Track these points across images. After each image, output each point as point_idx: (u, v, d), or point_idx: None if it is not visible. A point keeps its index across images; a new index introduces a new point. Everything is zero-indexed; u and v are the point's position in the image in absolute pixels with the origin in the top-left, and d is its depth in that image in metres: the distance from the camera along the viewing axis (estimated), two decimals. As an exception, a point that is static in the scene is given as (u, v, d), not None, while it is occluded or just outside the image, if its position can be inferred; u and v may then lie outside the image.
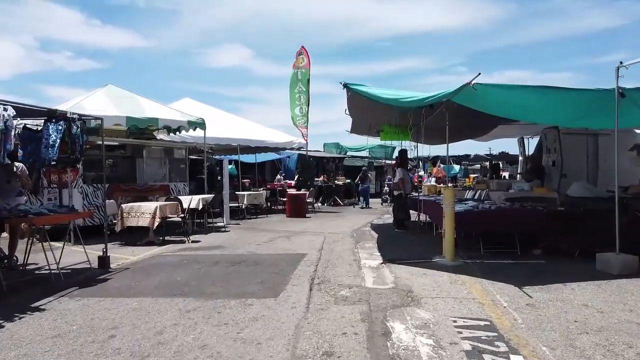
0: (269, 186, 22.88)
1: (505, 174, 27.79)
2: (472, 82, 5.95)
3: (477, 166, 31.07)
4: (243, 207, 15.45)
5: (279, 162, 28.87)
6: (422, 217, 11.76)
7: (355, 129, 12.24)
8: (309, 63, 18.81)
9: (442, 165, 24.12)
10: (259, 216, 16.11)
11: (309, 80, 18.80)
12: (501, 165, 27.62)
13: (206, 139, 15.71)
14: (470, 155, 23.30)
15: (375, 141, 38.09)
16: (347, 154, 33.58)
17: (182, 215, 10.60)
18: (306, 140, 19.08)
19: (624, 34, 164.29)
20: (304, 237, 10.55)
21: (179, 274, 6.87)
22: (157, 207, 9.95)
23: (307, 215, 16.34)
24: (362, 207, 20.42)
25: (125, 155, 12.83)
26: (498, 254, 7.73)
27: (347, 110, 10.29)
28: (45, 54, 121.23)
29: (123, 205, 10.22)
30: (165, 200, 11.33)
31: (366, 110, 9.32)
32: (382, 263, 7.38)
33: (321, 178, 24.26)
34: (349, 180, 24.84)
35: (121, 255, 8.72)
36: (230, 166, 25.92)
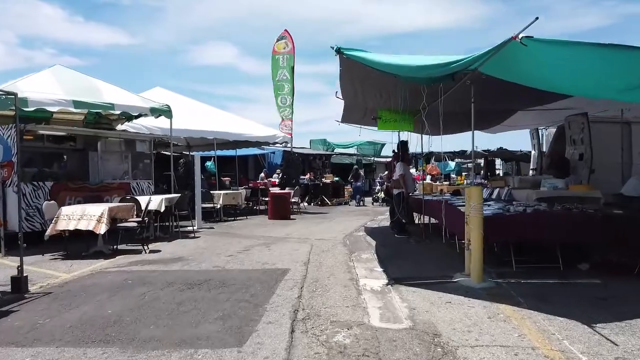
0: (251, 185, 21.03)
1: (500, 172, 26.26)
2: (520, 36, 4.17)
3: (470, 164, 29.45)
4: (218, 207, 13.55)
5: (262, 158, 26.95)
6: (425, 219, 10.02)
7: (347, 117, 10.43)
8: (293, 49, 16.94)
9: (434, 163, 22.44)
10: (237, 218, 14.22)
11: (293, 67, 16.93)
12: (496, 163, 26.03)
13: (178, 132, 13.88)
14: (466, 151, 21.73)
15: (364, 137, 36.47)
16: (335, 150, 31.78)
17: (140, 219, 8.69)
18: (290, 135, 17.22)
19: (611, 34, 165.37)
20: (286, 245, 8.71)
21: (113, 304, 4.98)
22: (105, 209, 8.02)
23: (292, 216, 14.50)
24: (356, 205, 19.85)
25: (76, 148, 10.84)
26: (535, 270, 5.99)
27: (338, 92, 8.48)
28: (27, 50, 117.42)
29: (64, 208, 8.27)
30: (120, 201, 9.40)
31: (363, 89, 7.53)
32: (387, 284, 5.58)
33: (307, 176, 22.43)
34: (337, 178, 23.06)
35: (53, 271, 6.80)
36: (209, 162, 24.09)
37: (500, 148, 20.90)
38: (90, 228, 7.93)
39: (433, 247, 8.18)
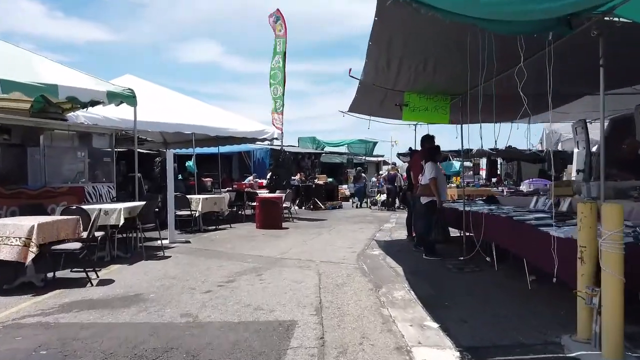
0: (235, 186, 18.69)
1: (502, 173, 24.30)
2: None
3: (468, 163, 27.28)
4: (197, 215, 11.21)
5: (247, 156, 24.56)
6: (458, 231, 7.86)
7: (358, 105, 8.18)
8: (285, 32, 14.63)
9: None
10: (219, 227, 11.89)
11: (285, 53, 14.64)
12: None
13: (149, 125, 11.52)
14: (472, 149, 19.63)
15: (354, 135, 34.39)
16: (325, 149, 29.55)
17: (86, 237, 6.35)
18: (281, 130, 14.93)
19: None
20: (284, 273, 6.43)
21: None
22: (33, 226, 5.66)
23: (284, 225, 12.23)
24: (357, 207, 19.16)
25: (11, 142, 8.41)
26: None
27: (353, 71, 6.24)
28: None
29: (-26, 225, 5.88)
30: (62, 213, 7.02)
31: (401, 54, 5.27)
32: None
33: (297, 176, 20.15)
34: (331, 179, 20.85)
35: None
36: (189, 162, 21.66)
37: (510, 146, 18.82)
38: (12, 258, 5.58)
39: (488, 279, 5.98)
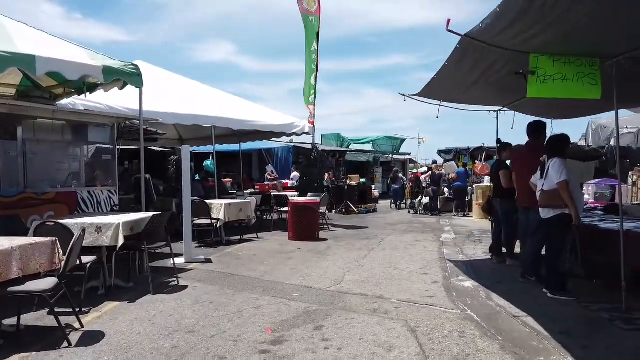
0: (257, 188, 16.60)
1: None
2: None
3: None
4: (219, 225, 9.10)
5: (268, 154, 22.45)
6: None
7: (436, 86, 5.98)
8: (319, 9, 12.44)
9: (484, 161, 17.97)
10: (244, 236, 9.78)
11: (318, 34, 12.46)
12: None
13: (161, 115, 9.49)
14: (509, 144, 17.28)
15: (380, 132, 32.07)
16: (350, 147, 27.31)
17: (62, 269, 4.25)
18: (313, 124, 12.76)
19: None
20: (355, 327, 4.21)
21: None
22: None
23: (320, 235, 10.07)
24: (396, 207, 17.94)
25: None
26: None
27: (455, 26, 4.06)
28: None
29: None
30: (35, 231, 4.92)
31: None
32: None
33: (326, 177, 17.98)
34: (364, 180, 18.65)
35: None
36: (207, 161, 19.65)
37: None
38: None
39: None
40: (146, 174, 14.39)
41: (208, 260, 7.45)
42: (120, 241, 5.21)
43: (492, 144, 19.29)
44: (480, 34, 4.25)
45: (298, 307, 4.80)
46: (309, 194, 12.37)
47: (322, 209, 11.58)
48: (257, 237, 9.94)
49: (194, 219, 9.18)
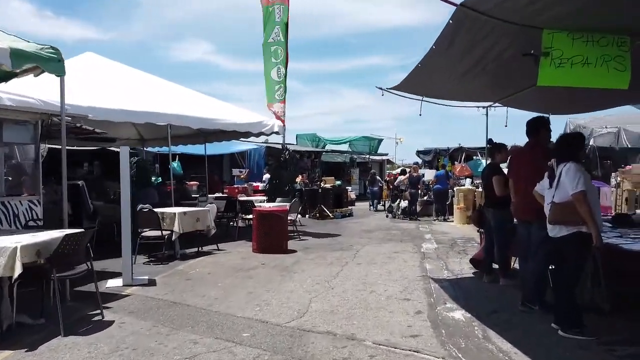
0: (225, 191, 15.39)
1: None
2: None
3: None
4: (174, 238, 7.90)
5: (240, 156, 21.21)
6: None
7: (417, 78, 4.96)
8: (287, -3, 11.30)
9: (464, 163, 17.09)
10: (203, 248, 8.59)
11: (287, 24, 11.32)
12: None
13: (109, 113, 8.32)
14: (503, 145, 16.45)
15: (358, 132, 31.05)
16: (326, 147, 26.23)
17: None
18: (283, 123, 11.63)
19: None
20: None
21: None
22: None
23: (290, 245, 8.95)
24: (375, 210, 17.40)
25: None
26: None
27: None
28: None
29: None
30: None
31: None
32: None
33: (299, 179, 16.87)
34: (339, 182, 17.61)
35: None
36: (174, 163, 18.32)
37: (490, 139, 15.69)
38: None
39: None
40: (107, 176, 13.06)
41: (151, 282, 6.24)
42: (17, 270, 3.98)
43: (473, 144, 18.55)
44: (480, 3, 3.20)
45: (245, 357, 3.66)
46: (278, 199, 11.26)
47: (292, 216, 10.45)
48: (218, 249, 8.75)
49: (145, 230, 8.03)
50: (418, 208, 14.66)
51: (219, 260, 7.91)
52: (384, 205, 16.96)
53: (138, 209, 8.30)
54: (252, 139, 13.26)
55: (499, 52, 4.08)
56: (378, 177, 18.48)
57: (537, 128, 4.75)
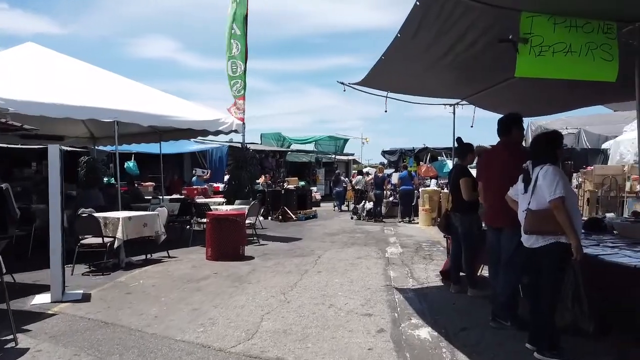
0: (184, 193, 14.59)
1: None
2: None
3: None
4: (116, 246, 7.15)
5: (202, 156, 20.34)
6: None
7: (384, 70, 4.49)
8: (247, -12, 10.65)
9: (429, 163, 16.83)
10: (152, 255, 7.89)
11: (246, 18, 10.68)
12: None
13: (43, 107, 7.54)
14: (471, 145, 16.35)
15: (324, 132, 30.59)
16: (291, 147, 25.64)
17: None
18: (242, 120, 10.98)
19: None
20: None
21: None
22: None
23: (247, 251, 8.34)
24: (337, 210, 17.13)
25: None
26: None
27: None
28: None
29: None
30: None
31: None
32: None
33: (262, 180, 16.24)
34: (303, 183, 17.06)
35: None
36: (129, 163, 17.41)
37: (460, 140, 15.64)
38: None
39: None
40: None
41: (85, 297, 5.52)
42: None
43: (438, 144, 18.36)
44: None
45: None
46: (237, 201, 10.62)
47: (252, 219, 9.84)
48: (169, 257, 8.05)
49: (86, 237, 7.27)
50: (383, 209, 14.29)
51: (167, 269, 7.22)
52: (348, 206, 16.53)
53: (79, 212, 7.55)
54: (215, 137, 12.54)
55: (471, 42, 3.63)
56: (343, 178, 18.01)
57: (509, 126, 4.33)
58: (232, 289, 5.90)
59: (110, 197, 10.01)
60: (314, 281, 6.27)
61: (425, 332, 4.21)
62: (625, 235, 4.63)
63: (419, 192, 13.73)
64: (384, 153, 19.24)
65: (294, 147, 26.01)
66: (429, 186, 14.01)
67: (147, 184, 16.03)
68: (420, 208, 13.01)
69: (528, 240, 3.57)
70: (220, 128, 10.38)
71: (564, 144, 4.11)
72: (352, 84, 5.58)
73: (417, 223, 13.07)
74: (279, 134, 25.55)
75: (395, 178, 15.00)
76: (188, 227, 10.29)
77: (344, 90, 5.86)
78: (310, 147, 26.77)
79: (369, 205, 14.24)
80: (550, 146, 3.57)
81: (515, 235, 3.87)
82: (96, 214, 7.49)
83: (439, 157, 17.37)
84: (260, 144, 25.08)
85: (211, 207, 9.86)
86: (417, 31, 3.59)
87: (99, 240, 7.01)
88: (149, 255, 7.89)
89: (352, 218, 14.72)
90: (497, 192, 4.15)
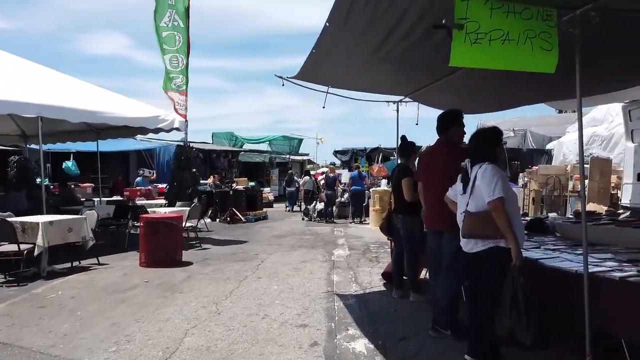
0: (126, 194, 13.80)
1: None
2: None
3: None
4: (36, 253, 6.46)
5: (148, 155, 19.42)
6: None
7: (321, 60, 4.15)
8: (188, -22, 10.07)
9: (381, 164, 16.73)
10: (81, 263, 7.23)
11: (187, 9, 10.10)
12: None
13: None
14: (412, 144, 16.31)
15: (277, 131, 30.06)
16: (244, 146, 25.01)
17: None
18: (185, 118, 10.39)
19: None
20: None
21: None
22: None
23: (185, 256, 7.80)
24: (289, 210, 17.02)
25: None
26: None
27: None
28: None
29: None
30: None
31: None
32: None
33: (210, 180, 15.63)
34: (253, 184, 16.55)
35: None
36: (68, 162, 16.36)
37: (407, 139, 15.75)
38: None
39: None
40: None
41: (-11, 314, 4.88)
42: None
43: (391, 144, 18.31)
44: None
45: None
46: (178, 203, 10.04)
47: (193, 222, 9.30)
48: (99, 264, 7.41)
49: (1, 244, 6.54)
50: (335, 210, 14.02)
51: (94, 278, 6.59)
52: (300, 207, 16.17)
53: (-6, 217, 6.82)
54: (162, 135, 11.81)
55: (407, 30, 3.32)
56: (296, 178, 17.63)
57: (448, 123, 4.08)
58: (161, 299, 5.40)
59: (35, 200, 9.20)
60: (251, 289, 5.85)
61: (361, 345, 3.88)
62: (566, 236, 4.50)
63: (369, 192, 13.55)
64: (336, 153, 19.03)
65: (247, 147, 25.40)
66: (380, 186, 13.85)
67: (85, 185, 15.08)
68: (370, 208, 12.83)
69: (467, 245, 3.31)
70: (160, 125, 9.76)
71: (504, 142, 3.88)
72: (290, 77, 5.20)
73: (368, 224, 12.87)
74: (231, 133, 24.87)
75: (346, 178, 14.79)
76: (128, 231, 9.62)
77: (283, 85, 5.48)
78: (264, 147, 26.25)
79: (320, 205, 13.93)
80: (489, 143, 3.33)
81: (455, 239, 3.61)
82: (12, 219, 6.79)
83: (391, 157, 17.34)
84: (212, 143, 24.32)
85: (150, 209, 9.26)
86: (347, 20, 3.26)
87: (14, 247, 6.31)
88: (75, 263, 7.22)
89: (303, 219, 14.37)
90: (437, 193, 3.89)
